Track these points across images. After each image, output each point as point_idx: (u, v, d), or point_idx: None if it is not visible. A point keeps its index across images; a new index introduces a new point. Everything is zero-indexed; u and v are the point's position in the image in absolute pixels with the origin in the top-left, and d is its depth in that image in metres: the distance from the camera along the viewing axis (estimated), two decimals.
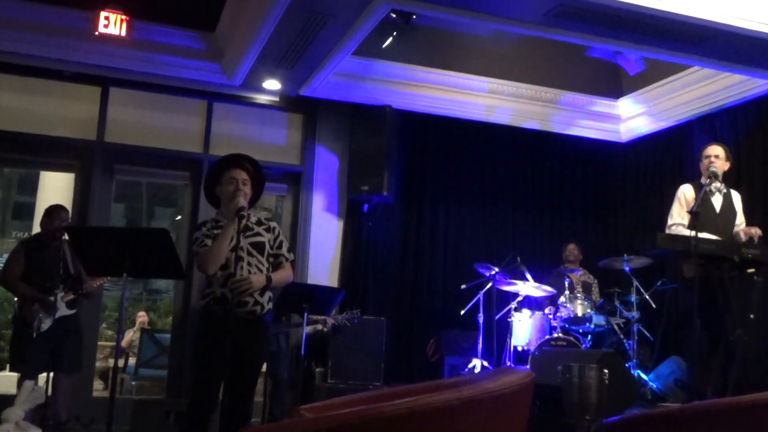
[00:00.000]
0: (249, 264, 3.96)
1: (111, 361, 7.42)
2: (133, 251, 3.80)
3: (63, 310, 5.58)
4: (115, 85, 7.15)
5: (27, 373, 5.37)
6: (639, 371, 6.32)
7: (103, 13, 6.64)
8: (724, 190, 5.50)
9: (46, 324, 5.45)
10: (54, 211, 5.80)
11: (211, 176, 4.21)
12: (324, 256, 7.62)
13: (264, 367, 6.20)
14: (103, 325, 9.94)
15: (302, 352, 5.53)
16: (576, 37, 6.13)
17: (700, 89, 7.46)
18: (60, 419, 5.61)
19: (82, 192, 7.14)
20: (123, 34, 6.69)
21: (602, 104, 8.43)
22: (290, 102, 7.61)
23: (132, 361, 9.08)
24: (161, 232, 3.94)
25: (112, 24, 6.65)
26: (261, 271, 4.02)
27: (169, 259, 3.89)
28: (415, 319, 7.72)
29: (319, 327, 6.54)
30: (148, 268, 4.13)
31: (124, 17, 6.69)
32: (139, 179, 10.90)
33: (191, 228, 7.09)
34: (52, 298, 5.43)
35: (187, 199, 7.55)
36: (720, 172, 5.43)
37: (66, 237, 5.50)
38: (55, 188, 9.06)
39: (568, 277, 7.09)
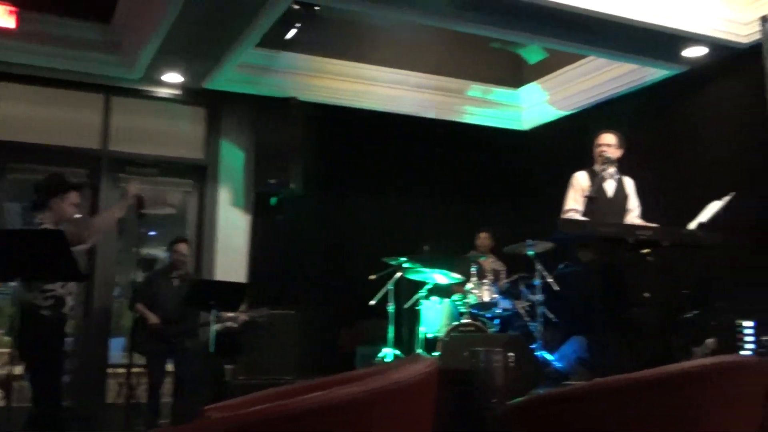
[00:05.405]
0: None
1: (8, 369, 7.09)
2: (27, 254, 3.64)
3: None
4: (4, 79, 6.83)
5: None
6: (544, 352, 6.50)
7: None
8: (617, 176, 5.66)
9: None
10: None
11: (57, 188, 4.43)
12: (233, 251, 7.51)
13: (170, 367, 6.17)
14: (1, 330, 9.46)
15: (211, 350, 5.46)
16: (477, 27, 6.23)
17: (596, 78, 7.70)
18: None
19: None
20: (12, 26, 6.37)
21: (504, 93, 8.60)
22: (193, 95, 7.46)
23: None
24: (56, 234, 3.81)
25: None
26: None
27: (65, 261, 3.75)
28: (328, 311, 7.66)
29: (230, 324, 6.45)
30: (42, 271, 3.96)
31: (12, 8, 6.37)
32: (34, 177, 10.42)
33: None
34: None
35: (86, 196, 7.27)
36: (613, 159, 5.60)
37: None
38: None
39: (478, 263, 7.20)
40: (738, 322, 5.60)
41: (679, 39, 6.24)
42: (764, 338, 5.45)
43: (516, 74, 8.56)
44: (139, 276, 6.44)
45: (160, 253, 7.17)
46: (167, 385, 6.22)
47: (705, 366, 2.27)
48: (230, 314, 6.19)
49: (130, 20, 6.58)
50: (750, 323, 5.54)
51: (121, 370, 6.36)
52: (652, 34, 6.12)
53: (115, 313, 7.20)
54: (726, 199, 5.27)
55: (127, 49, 6.81)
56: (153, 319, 6.03)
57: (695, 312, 5.99)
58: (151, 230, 7.32)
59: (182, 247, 6.43)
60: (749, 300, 5.82)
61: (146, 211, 5.14)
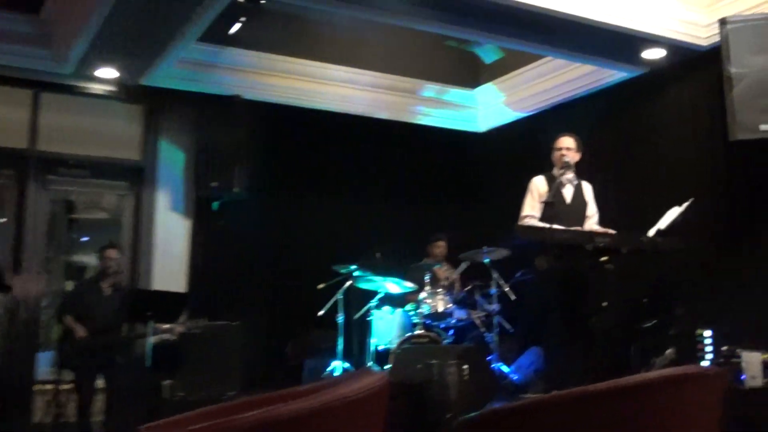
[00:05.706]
0: None
1: None
2: None
3: None
4: None
5: None
6: (500, 364, 6.38)
7: None
8: (575, 182, 5.60)
9: None
10: None
11: None
12: (171, 258, 7.28)
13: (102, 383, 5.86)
14: None
15: (147, 364, 5.20)
16: (432, 25, 6.18)
17: (553, 79, 7.69)
18: None
19: None
20: None
21: (459, 94, 8.55)
22: (130, 92, 7.17)
23: None
24: None
25: None
26: None
27: None
28: (273, 322, 7.49)
29: (166, 336, 6.14)
30: None
31: None
32: None
33: (17, 233, 6.55)
34: None
35: (12, 199, 6.87)
36: (572, 163, 5.51)
37: None
38: None
39: (431, 271, 7.03)
40: (698, 331, 5.63)
41: (638, 40, 6.25)
42: (723, 348, 5.43)
43: (472, 74, 8.55)
44: (69, 285, 6.16)
45: (91, 260, 6.83)
46: (99, 402, 5.93)
47: (663, 377, 2.27)
48: (166, 326, 5.87)
49: (61, 10, 6.32)
50: (709, 332, 5.54)
51: (49, 387, 6.05)
52: (610, 35, 6.11)
53: (43, 326, 6.89)
54: (685, 205, 5.28)
55: (58, 42, 6.52)
56: (80, 331, 5.74)
57: (654, 321, 5.96)
58: (82, 236, 6.99)
59: (112, 253, 6.15)
60: (709, 307, 5.83)
61: (77, 216, 4.82)
